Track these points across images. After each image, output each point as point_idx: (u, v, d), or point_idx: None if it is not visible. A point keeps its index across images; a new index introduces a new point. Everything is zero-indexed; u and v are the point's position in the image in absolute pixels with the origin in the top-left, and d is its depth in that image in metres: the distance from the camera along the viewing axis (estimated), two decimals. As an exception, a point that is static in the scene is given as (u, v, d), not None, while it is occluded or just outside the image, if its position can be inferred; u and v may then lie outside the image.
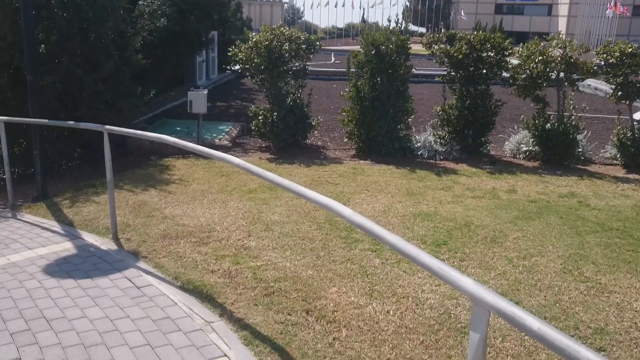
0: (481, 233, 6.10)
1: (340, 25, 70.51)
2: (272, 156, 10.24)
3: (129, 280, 4.83)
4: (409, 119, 10.55)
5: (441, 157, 10.30)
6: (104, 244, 5.77)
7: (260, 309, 4.27)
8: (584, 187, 8.59)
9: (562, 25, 49.26)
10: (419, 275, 4.93)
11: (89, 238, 5.94)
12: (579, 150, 10.22)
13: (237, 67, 10.88)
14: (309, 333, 3.96)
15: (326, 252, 5.46)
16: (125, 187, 8.05)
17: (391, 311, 4.29)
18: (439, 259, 5.38)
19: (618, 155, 10.35)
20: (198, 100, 10.50)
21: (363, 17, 70.71)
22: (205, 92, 10.66)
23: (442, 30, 59.16)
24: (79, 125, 6.08)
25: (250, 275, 4.89)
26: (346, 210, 2.78)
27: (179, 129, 11.78)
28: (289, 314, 4.20)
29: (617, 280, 4.96)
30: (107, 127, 5.49)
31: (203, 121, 11.21)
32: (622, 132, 10.08)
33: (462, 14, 53.02)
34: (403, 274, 4.95)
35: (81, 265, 5.18)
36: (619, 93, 9.95)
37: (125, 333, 3.93)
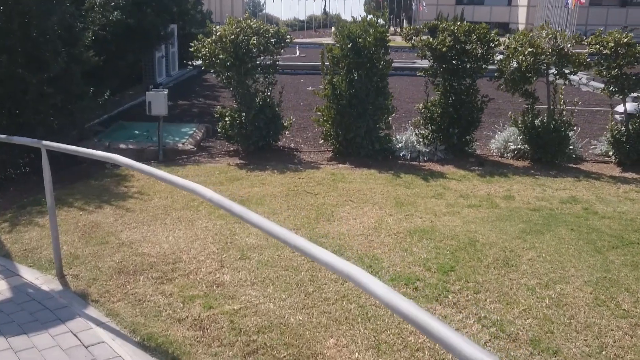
0: (490, 254, 5.31)
1: (302, 17, 69.33)
2: (241, 161, 9.30)
3: (75, 335, 3.88)
4: (390, 118, 9.74)
5: (425, 159, 9.51)
6: (47, 282, 4.79)
7: (242, 377, 3.39)
8: (584, 189, 7.91)
9: (522, 15, 49.25)
10: (431, 315, 4.10)
11: (29, 275, 4.94)
12: (571, 147, 9.56)
13: (200, 62, 9.89)
14: (309, 413, 3.10)
15: (316, 286, 4.59)
16: (75, 203, 7.04)
17: (406, 372, 3.46)
18: (449, 290, 4.61)
19: (610, 152, 9.74)
20: (158, 101, 9.48)
21: (325, 9, 69.85)
22: (166, 92, 9.64)
23: (404, 21, 58.71)
24: (12, 140, 5.07)
25: (227, 324, 3.98)
26: (374, 282, 1.89)
27: (137, 132, 10.72)
28: (279, 384, 3.33)
29: (661, 313, 4.23)
30: (45, 142, 4.50)
31: (164, 123, 10.20)
32: (615, 127, 9.45)
33: (424, 4, 52.50)
34: (411, 315, 4.12)
35: (16, 315, 4.20)
36: (611, 87, 9.34)
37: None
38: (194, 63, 20.17)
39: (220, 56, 9.29)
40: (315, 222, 6.22)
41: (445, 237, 5.75)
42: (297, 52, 32.37)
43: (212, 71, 9.81)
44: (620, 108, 12.30)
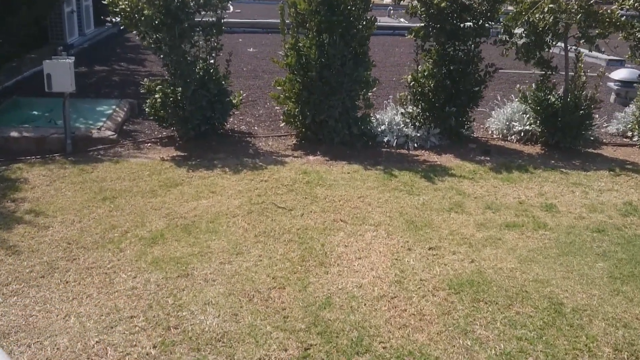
0: (597, 333, 3.34)
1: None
2: (179, 153, 6.97)
3: None
4: (370, 93, 7.59)
5: (415, 145, 7.47)
6: None
7: None
8: (632, 190, 6.12)
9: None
10: None
11: None
12: (590, 128, 7.77)
13: (119, 19, 7.36)
14: None
15: None
16: None
17: None
18: None
19: (631, 133, 8.05)
20: (60, 73, 6.90)
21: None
22: (71, 60, 7.06)
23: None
24: None
25: None
26: None
27: (36, 113, 8.07)
28: None
29: None
30: None
31: (74, 99, 7.71)
32: (643, 104, 7.70)
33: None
34: None
35: None
36: None
37: None
38: (114, 19, 17.20)
39: (146, 12, 6.83)
40: (305, 271, 4.07)
41: (510, 298, 3.74)
42: (231, 7, 29.44)
43: (135, 32, 7.35)
44: (615, 75, 10.67)
